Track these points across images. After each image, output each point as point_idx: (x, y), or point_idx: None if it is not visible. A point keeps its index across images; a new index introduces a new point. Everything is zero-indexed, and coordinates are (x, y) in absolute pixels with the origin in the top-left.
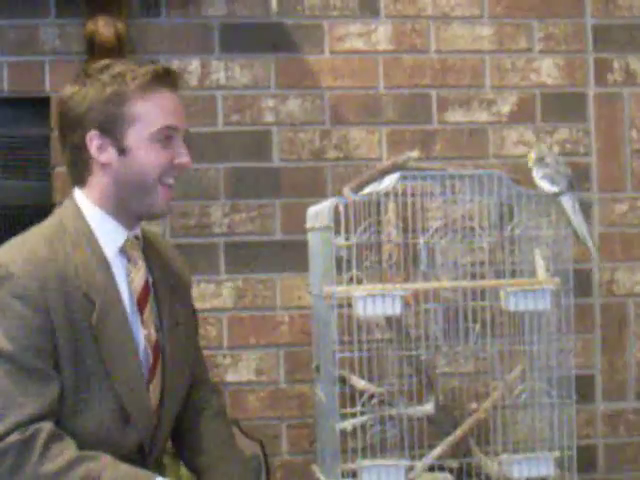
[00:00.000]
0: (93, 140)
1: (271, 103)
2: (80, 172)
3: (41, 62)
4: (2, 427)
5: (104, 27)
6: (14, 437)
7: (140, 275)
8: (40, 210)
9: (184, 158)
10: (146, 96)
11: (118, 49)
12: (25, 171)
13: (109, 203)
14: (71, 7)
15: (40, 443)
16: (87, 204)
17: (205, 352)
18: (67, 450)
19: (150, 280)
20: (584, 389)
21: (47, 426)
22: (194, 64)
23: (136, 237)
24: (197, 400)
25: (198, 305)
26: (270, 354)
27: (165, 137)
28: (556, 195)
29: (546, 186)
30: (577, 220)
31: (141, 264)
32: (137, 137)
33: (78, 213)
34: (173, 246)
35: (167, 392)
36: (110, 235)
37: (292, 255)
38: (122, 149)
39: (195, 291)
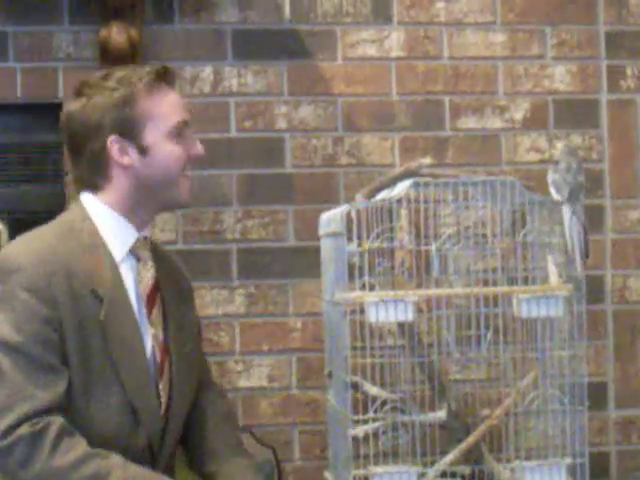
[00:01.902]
0: (114, 144)
1: (284, 109)
2: (95, 178)
3: (55, 68)
4: (11, 418)
5: (117, 34)
6: (24, 429)
7: (149, 275)
8: (54, 216)
9: (198, 148)
10: (154, 95)
11: (131, 55)
12: (38, 177)
13: (127, 204)
14: (85, 14)
15: (51, 437)
16: (98, 206)
17: (217, 358)
18: (78, 446)
19: (157, 280)
20: (596, 396)
21: (58, 420)
22: (207, 71)
23: (145, 237)
24: (203, 404)
25: (210, 311)
26: (282, 360)
27: (179, 131)
28: (558, 203)
29: (553, 193)
30: (570, 232)
31: (150, 264)
32: (154, 135)
33: (85, 215)
34: (174, 254)
35: (175, 392)
36: (120, 236)
37: (304, 261)
38: (142, 149)
39: (207, 297)
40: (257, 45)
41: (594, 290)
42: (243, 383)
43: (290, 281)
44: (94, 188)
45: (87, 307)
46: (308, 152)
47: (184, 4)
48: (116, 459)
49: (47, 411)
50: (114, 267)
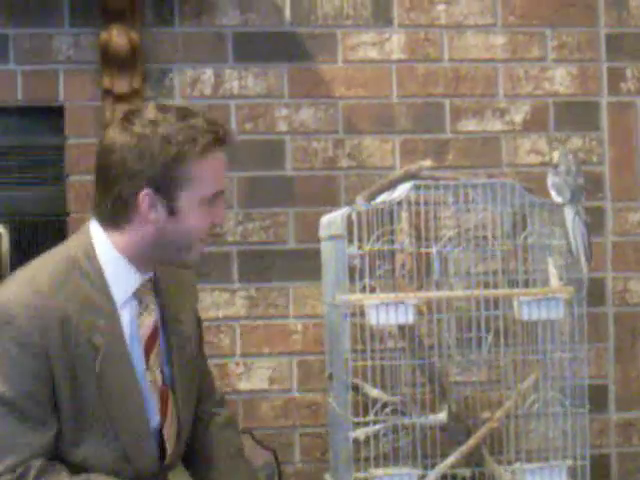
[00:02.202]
0: (146, 198)
1: (284, 112)
2: (115, 217)
3: (55, 71)
4: None
5: (118, 36)
6: (4, 479)
7: (150, 320)
8: (54, 218)
9: (221, 218)
10: (204, 160)
11: (132, 58)
12: (39, 180)
13: (137, 252)
14: (85, 16)
15: (31, 479)
16: (106, 246)
17: (218, 361)
18: (59, 479)
19: (159, 321)
20: (597, 398)
21: (37, 462)
22: (208, 73)
23: (149, 279)
24: (205, 412)
25: (211, 314)
26: (283, 363)
27: (213, 200)
28: (560, 205)
29: (553, 195)
30: (573, 233)
31: (152, 307)
32: (189, 200)
33: (91, 252)
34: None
35: (182, 430)
36: (124, 280)
37: (305, 264)
38: (172, 210)
39: (208, 300)
40: (258, 48)
41: (595, 292)
42: (244, 386)
43: (291, 283)
44: (110, 224)
45: (82, 356)
46: (309, 155)
47: (185, 7)
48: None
49: (30, 459)
50: (114, 313)
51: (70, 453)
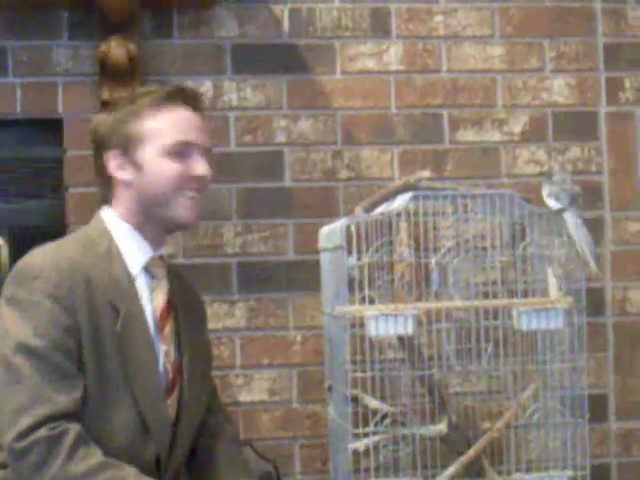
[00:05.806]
0: (111, 159)
1: (283, 123)
2: (105, 192)
3: (54, 83)
4: (30, 420)
5: (116, 48)
6: (42, 432)
7: (162, 293)
8: (54, 231)
9: (199, 169)
10: (158, 113)
11: (130, 70)
12: (39, 192)
13: (135, 218)
14: (83, 29)
15: (68, 443)
16: (114, 220)
17: (218, 372)
18: (93, 454)
19: (171, 300)
20: (597, 408)
21: (75, 427)
22: (206, 85)
23: (161, 257)
24: (212, 427)
25: (211, 325)
26: (283, 374)
27: (178, 151)
28: (559, 211)
29: (551, 203)
30: (578, 236)
31: (164, 283)
32: (149, 153)
33: (104, 230)
34: (190, 279)
35: (184, 409)
36: (135, 252)
37: (304, 275)
38: (138, 166)
39: (208, 311)
40: (256, 59)
41: (594, 302)
42: (244, 397)
43: (290, 295)
44: (107, 201)
45: (104, 318)
46: (307, 166)
47: (183, 19)
48: (130, 471)
49: (64, 416)
50: (131, 280)
51: (92, 422)
